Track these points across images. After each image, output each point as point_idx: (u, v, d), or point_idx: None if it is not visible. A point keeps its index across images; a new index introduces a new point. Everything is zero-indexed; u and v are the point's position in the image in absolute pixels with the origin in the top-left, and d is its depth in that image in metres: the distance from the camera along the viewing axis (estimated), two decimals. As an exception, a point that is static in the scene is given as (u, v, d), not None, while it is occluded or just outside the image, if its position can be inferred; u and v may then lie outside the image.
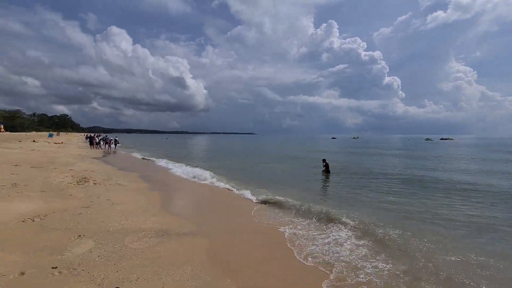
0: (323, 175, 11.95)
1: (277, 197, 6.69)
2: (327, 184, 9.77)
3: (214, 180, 9.46)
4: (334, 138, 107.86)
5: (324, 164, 12.42)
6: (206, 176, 10.12)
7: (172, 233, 4.06)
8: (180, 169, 12.22)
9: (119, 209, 5.20)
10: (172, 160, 16.23)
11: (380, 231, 4.48)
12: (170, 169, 12.68)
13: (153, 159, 17.45)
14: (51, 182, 7.09)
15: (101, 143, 26.83)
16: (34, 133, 65.84)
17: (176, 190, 8.07)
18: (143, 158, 18.08)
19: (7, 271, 2.52)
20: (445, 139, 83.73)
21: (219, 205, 6.40)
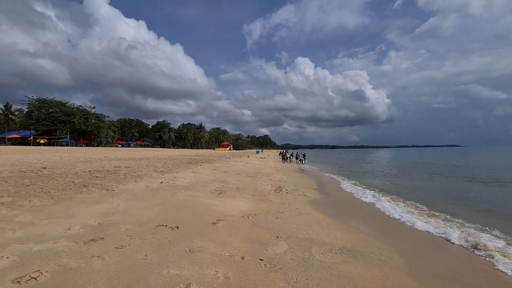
0: None
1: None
2: None
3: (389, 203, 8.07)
4: None
5: None
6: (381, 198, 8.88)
7: (357, 254, 3.83)
8: (353, 187, 11.60)
9: (305, 218, 5.69)
10: (351, 178, 15.81)
11: None
12: (344, 184, 12.40)
13: (336, 176, 17.87)
14: (258, 188, 9.12)
15: (291, 157, 31.50)
16: (248, 150, 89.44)
17: (358, 206, 7.69)
18: (329, 175, 19.01)
19: (235, 253, 3.46)
20: None
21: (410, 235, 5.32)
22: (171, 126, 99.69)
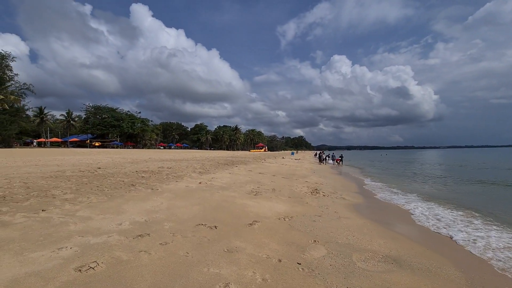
0: None
1: None
2: None
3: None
4: None
5: None
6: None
7: (403, 263, 3.55)
8: (397, 191, 10.75)
9: (344, 223, 5.45)
10: (394, 181, 14.76)
11: None
12: (386, 188, 11.58)
13: (377, 179, 16.90)
14: (294, 190, 9.00)
15: (327, 159, 30.58)
16: (282, 151, 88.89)
17: (401, 212, 7.12)
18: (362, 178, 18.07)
19: (272, 255, 3.45)
20: None
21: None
22: (208, 128, 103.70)
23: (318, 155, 33.22)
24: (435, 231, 5.51)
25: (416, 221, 6.28)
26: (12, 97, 39.57)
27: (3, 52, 41.59)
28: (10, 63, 42.40)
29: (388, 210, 7.35)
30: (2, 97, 36.64)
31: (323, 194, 8.71)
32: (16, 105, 43.87)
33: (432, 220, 6.31)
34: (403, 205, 8.05)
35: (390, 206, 7.89)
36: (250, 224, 4.75)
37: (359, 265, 3.38)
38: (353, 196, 9.07)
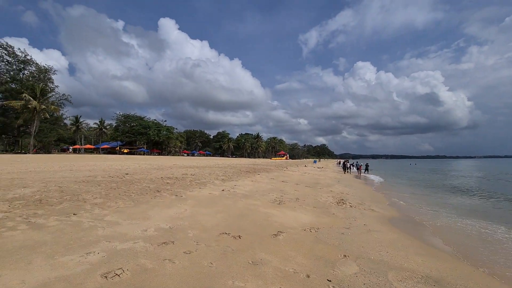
0: None
1: None
2: None
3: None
4: None
5: None
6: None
7: (447, 286, 3.17)
8: (431, 202, 9.94)
9: (376, 237, 5.08)
10: (427, 192, 13.77)
11: None
12: (418, 199, 10.76)
13: (408, 190, 15.92)
14: (319, 200, 8.66)
15: (351, 167, 29.50)
16: (304, 159, 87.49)
17: (439, 225, 6.52)
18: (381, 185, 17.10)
19: (300, 270, 3.24)
20: None
21: None
22: (230, 136, 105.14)
23: (342, 163, 32.20)
24: (481, 249, 4.95)
25: (456, 237, 5.70)
26: (53, 107, 43.08)
27: (46, 66, 45.78)
28: (51, 76, 46.49)
29: (422, 224, 6.78)
30: (44, 107, 39.94)
31: (350, 204, 8.29)
32: (55, 114, 47.65)
33: (476, 237, 5.70)
34: (440, 219, 7.40)
35: (425, 220, 7.28)
36: (275, 234, 4.57)
37: (396, 286, 3.06)
38: (383, 208, 8.53)
